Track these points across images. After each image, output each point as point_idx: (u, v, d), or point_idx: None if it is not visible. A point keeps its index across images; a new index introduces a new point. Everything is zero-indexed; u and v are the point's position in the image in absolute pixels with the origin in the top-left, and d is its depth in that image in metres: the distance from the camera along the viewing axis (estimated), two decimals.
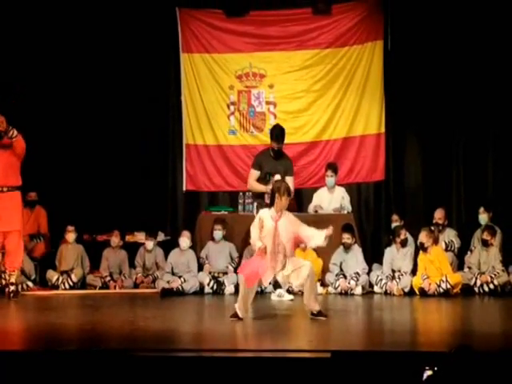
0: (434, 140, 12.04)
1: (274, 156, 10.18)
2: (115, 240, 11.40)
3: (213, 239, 11.03)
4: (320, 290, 10.51)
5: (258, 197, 10.49)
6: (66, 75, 12.17)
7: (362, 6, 12.19)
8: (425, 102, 11.90)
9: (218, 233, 10.97)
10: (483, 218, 11.21)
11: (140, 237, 11.70)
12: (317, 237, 8.24)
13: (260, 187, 10.05)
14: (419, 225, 11.30)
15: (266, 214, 8.22)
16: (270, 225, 8.12)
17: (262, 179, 10.03)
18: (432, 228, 10.87)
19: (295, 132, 12.34)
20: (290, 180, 10.11)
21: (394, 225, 11.38)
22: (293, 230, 8.21)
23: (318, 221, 11.05)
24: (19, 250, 10.34)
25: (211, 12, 12.44)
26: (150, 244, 11.29)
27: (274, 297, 10.11)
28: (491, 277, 10.47)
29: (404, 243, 10.83)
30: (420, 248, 10.53)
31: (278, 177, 9.11)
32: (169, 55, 12.50)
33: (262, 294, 10.51)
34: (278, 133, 10.51)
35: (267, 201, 9.53)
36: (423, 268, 10.45)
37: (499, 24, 11.66)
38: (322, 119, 12.32)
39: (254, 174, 10.16)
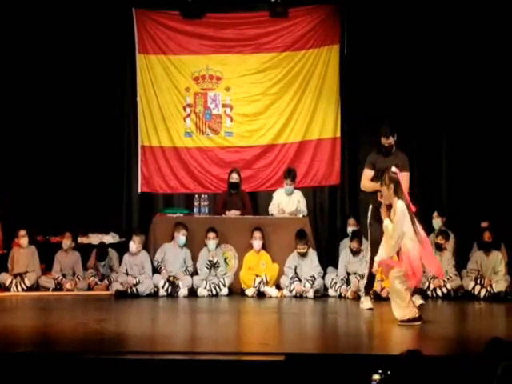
0: None
1: (384, 153, 9.70)
2: (66, 242, 11.25)
3: (173, 242, 10.91)
4: (275, 293, 10.55)
5: (371, 195, 9.95)
6: (17, 74, 12.04)
7: (319, 10, 12.24)
8: (379, 107, 11.96)
9: (182, 238, 10.86)
10: (437, 222, 11.32)
11: (94, 238, 11.60)
12: None
13: (372, 185, 9.61)
14: None
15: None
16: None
17: (375, 178, 9.62)
18: None
19: (251, 135, 12.36)
20: (404, 176, 9.23)
21: (350, 229, 11.41)
22: None
23: (273, 224, 11.11)
24: None
25: (168, 13, 12.39)
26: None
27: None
28: (444, 281, 10.56)
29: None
30: None
31: (393, 169, 8.65)
32: (125, 56, 12.41)
33: (216, 296, 10.51)
34: (384, 128, 10.01)
35: (380, 199, 9.06)
36: (379, 271, 10.48)
37: (455, 29, 11.82)
38: (279, 123, 12.33)
39: (368, 173, 9.71)
